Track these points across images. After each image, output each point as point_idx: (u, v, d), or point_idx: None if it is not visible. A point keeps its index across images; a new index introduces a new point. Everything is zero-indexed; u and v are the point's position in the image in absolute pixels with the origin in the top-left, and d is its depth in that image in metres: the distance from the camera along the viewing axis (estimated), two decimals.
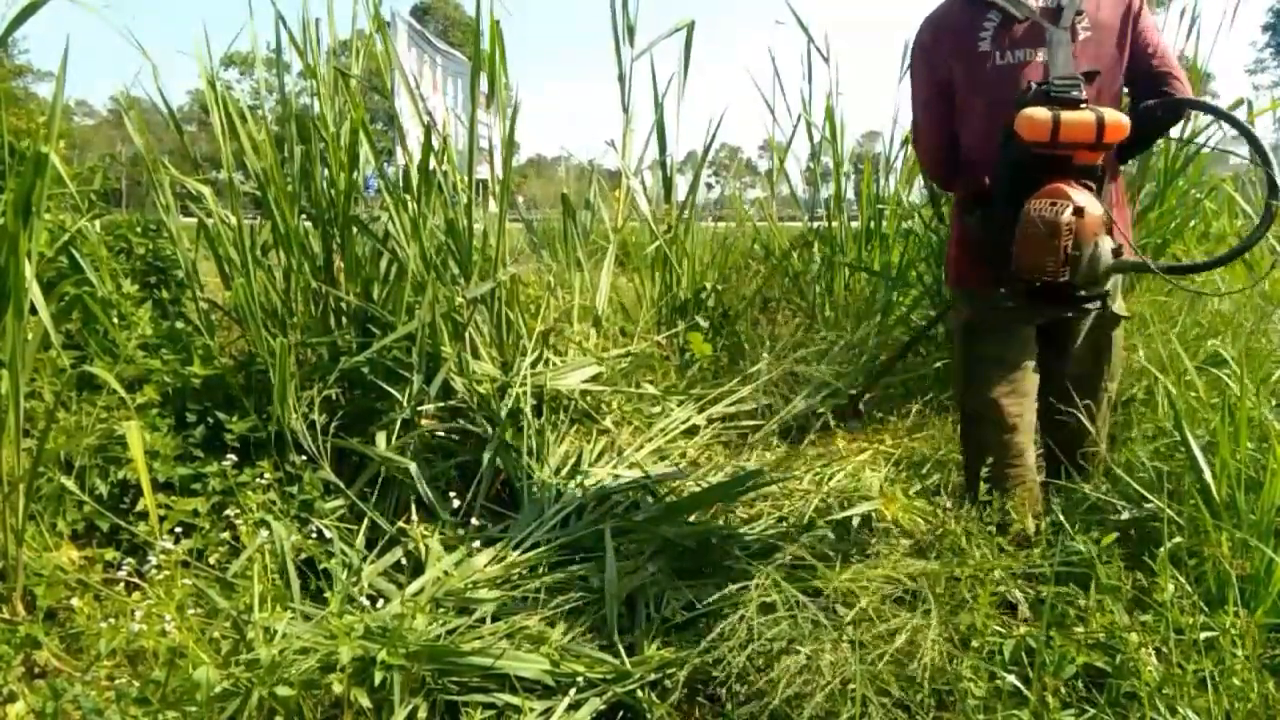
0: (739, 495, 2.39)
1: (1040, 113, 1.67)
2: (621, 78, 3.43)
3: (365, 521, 2.30)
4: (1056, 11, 1.88)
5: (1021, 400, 1.99)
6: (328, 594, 1.90)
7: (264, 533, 2.07)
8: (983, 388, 1.98)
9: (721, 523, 2.37)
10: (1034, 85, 1.75)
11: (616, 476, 2.56)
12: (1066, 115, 1.66)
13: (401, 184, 2.94)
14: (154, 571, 1.79)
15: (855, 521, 2.23)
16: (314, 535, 2.16)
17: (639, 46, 3.52)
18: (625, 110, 3.49)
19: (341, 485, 2.39)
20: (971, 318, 2.04)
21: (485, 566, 2.09)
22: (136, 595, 1.84)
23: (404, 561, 2.10)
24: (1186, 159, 3.56)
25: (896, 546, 1.94)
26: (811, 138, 4.32)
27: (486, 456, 2.53)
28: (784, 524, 2.33)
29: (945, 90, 1.97)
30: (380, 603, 1.96)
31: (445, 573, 2.05)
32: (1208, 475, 1.74)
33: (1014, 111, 1.72)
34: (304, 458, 2.40)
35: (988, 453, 1.94)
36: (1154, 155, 3.53)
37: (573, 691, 1.68)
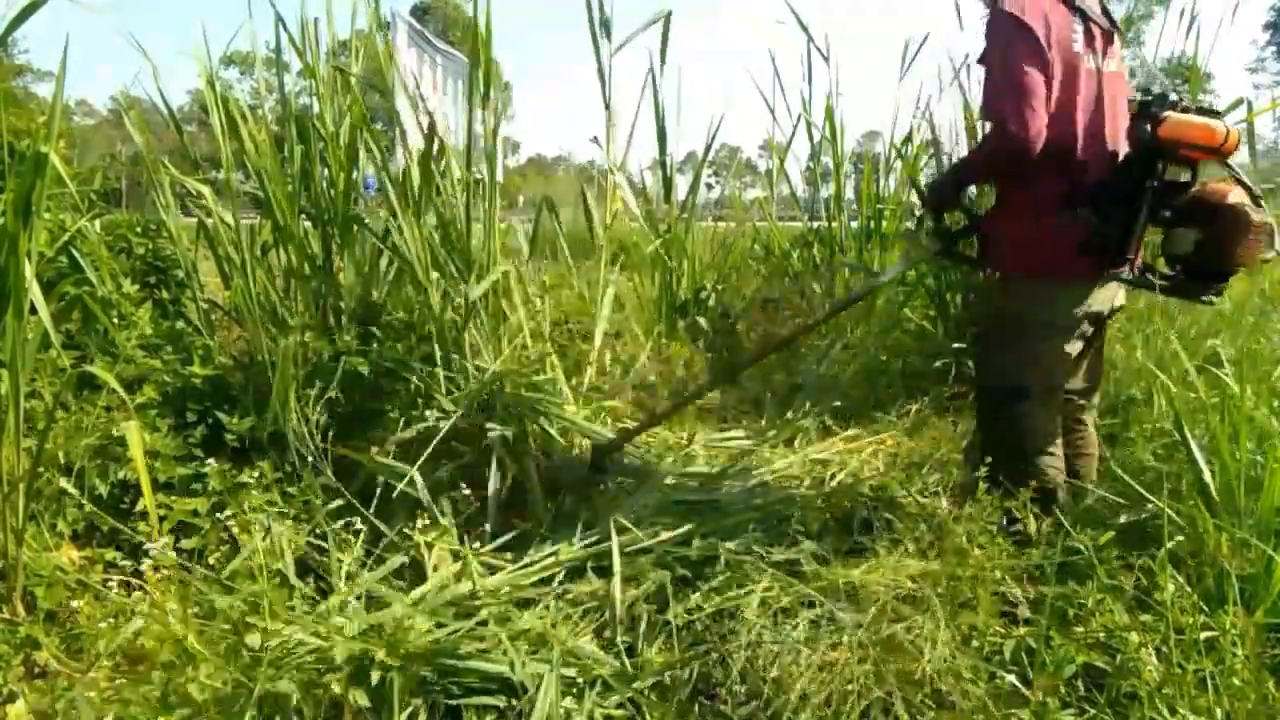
0: (740, 502, 2.38)
1: (1214, 122, 1.76)
2: (600, 73, 3.42)
3: (366, 524, 2.29)
4: (1112, 33, 1.99)
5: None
6: (328, 595, 1.89)
7: (264, 533, 2.06)
8: (1048, 378, 2.00)
9: (723, 523, 2.36)
10: (1171, 95, 1.80)
11: (620, 479, 2.56)
12: (1231, 126, 1.76)
13: (400, 183, 2.93)
14: (154, 572, 1.79)
15: (855, 521, 2.23)
16: (314, 536, 2.16)
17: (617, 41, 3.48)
18: (607, 106, 3.48)
19: (342, 489, 2.38)
20: (1058, 308, 1.98)
21: (488, 573, 2.08)
22: (136, 595, 1.84)
23: (405, 561, 2.10)
24: None
25: (897, 547, 1.94)
26: (811, 138, 4.33)
27: (490, 459, 2.53)
28: (785, 525, 2.32)
29: (1050, 70, 1.86)
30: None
31: (447, 580, 2.05)
32: (1208, 475, 1.75)
33: (1145, 116, 1.79)
34: (305, 458, 2.40)
35: (1026, 441, 1.98)
36: None
37: (573, 692, 1.68)
